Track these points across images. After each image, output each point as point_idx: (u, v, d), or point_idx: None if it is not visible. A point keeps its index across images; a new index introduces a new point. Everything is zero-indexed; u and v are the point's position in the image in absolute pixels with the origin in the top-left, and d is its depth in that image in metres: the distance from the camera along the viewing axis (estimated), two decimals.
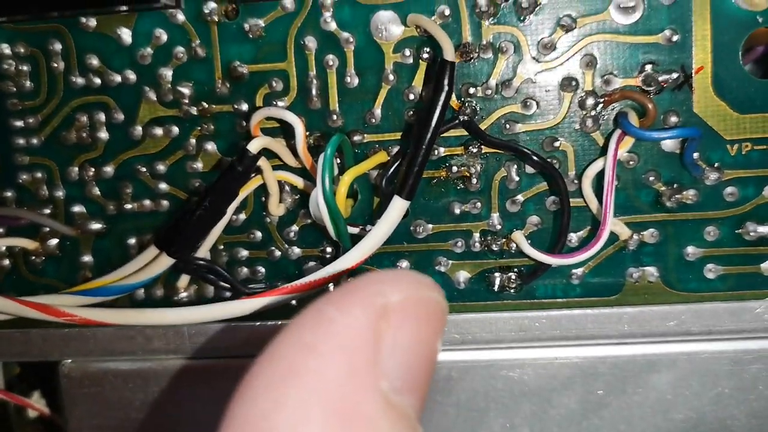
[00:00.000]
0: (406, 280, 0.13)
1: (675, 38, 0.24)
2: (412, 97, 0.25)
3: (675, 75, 0.24)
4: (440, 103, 0.23)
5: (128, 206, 0.28)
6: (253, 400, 0.12)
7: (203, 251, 0.27)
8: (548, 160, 0.24)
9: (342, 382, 0.12)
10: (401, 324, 0.13)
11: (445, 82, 0.22)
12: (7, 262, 0.29)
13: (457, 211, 0.26)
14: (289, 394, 0.12)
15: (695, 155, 0.24)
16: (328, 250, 0.27)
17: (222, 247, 0.27)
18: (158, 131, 0.27)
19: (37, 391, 0.35)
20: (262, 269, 0.27)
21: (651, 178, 0.25)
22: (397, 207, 0.23)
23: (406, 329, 0.13)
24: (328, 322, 0.12)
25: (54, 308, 0.24)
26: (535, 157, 0.24)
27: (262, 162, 0.25)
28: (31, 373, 0.35)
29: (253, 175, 0.26)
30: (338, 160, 0.25)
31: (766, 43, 0.25)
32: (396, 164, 0.25)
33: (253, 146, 0.24)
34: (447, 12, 0.24)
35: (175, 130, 0.27)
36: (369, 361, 0.12)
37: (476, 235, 0.26)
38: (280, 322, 0.26)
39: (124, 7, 0.25)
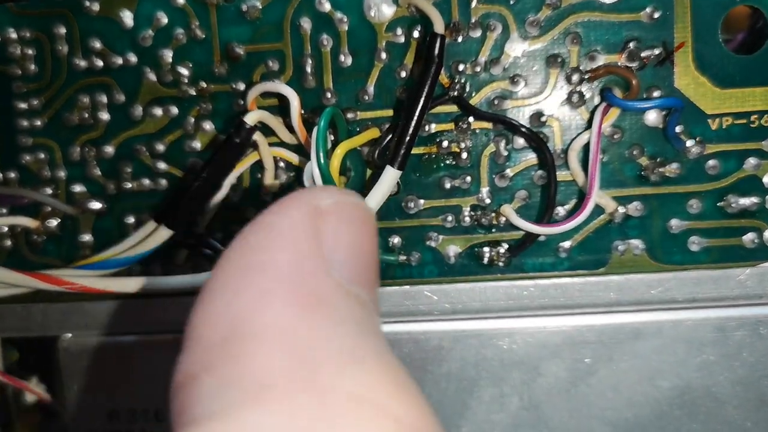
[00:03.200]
0: (333, 188, 0.15)
1: (656, 15, 0.24)
2: (403, 74, 0.26)
3: (657, 51, 0.25)
4: (431, 74, 0.23)
5: (128, 185, 0.28)
6: (214, 297, 0.12)
7: (200, 227, 0.27)
8: (536, 132, 0.25)
9: (294, 269, 0.12)
10: (338, 223, 0.13)
11: (435, 54, 0.23)
12: (9, 242, 0.29)
13: (448, 186, 0.26)
14: (246, 284, 0.12)
15: (678, 128, 0.25)
16: None
17: (218, 223, 0.28)
18: (158, 111, 0.28)
19: (35, 376, 0.36)
20: None
21: (635, 153, 0.25)
22: (390, 176, 0.24)
23: (343, 228, 0.13)
24: (268, 226, 0.13)
25: (54, 277, 0.25)
26: (523, 129, 0.25)
27: (258, 137, 0.26)
28: (29, 359, 0.36)
29: (249, 150, 0.26)
30: (332, 137, 0.26)
31: (745, 29, 0.26)
32: (388, 137, 0.26)
33: (250, 118, 0.25)
34: None
35: (174, 110, 0.28)
36: (315, 252, 0.13)
37: (466, 210, 0.26)
38: None
39: None
